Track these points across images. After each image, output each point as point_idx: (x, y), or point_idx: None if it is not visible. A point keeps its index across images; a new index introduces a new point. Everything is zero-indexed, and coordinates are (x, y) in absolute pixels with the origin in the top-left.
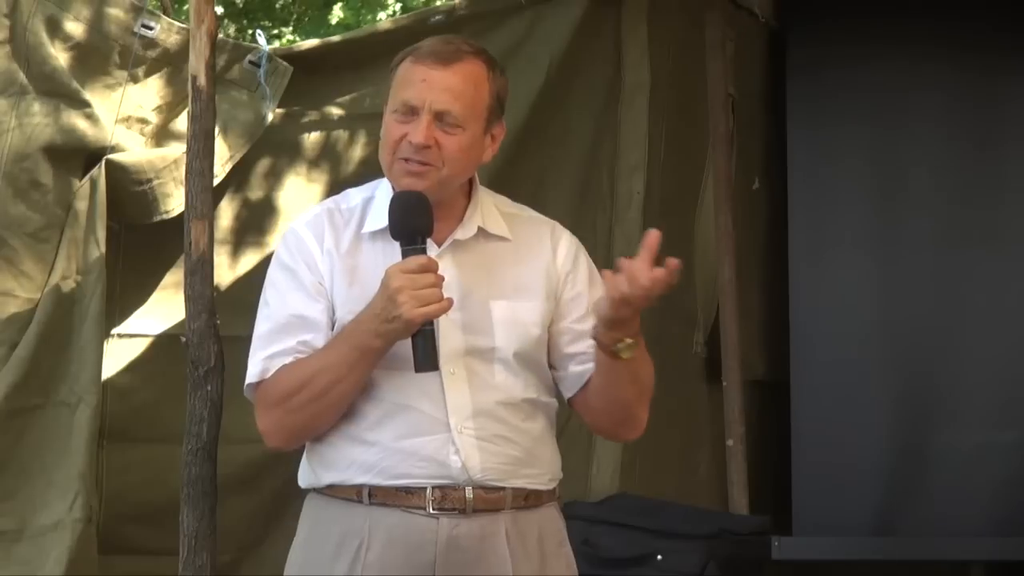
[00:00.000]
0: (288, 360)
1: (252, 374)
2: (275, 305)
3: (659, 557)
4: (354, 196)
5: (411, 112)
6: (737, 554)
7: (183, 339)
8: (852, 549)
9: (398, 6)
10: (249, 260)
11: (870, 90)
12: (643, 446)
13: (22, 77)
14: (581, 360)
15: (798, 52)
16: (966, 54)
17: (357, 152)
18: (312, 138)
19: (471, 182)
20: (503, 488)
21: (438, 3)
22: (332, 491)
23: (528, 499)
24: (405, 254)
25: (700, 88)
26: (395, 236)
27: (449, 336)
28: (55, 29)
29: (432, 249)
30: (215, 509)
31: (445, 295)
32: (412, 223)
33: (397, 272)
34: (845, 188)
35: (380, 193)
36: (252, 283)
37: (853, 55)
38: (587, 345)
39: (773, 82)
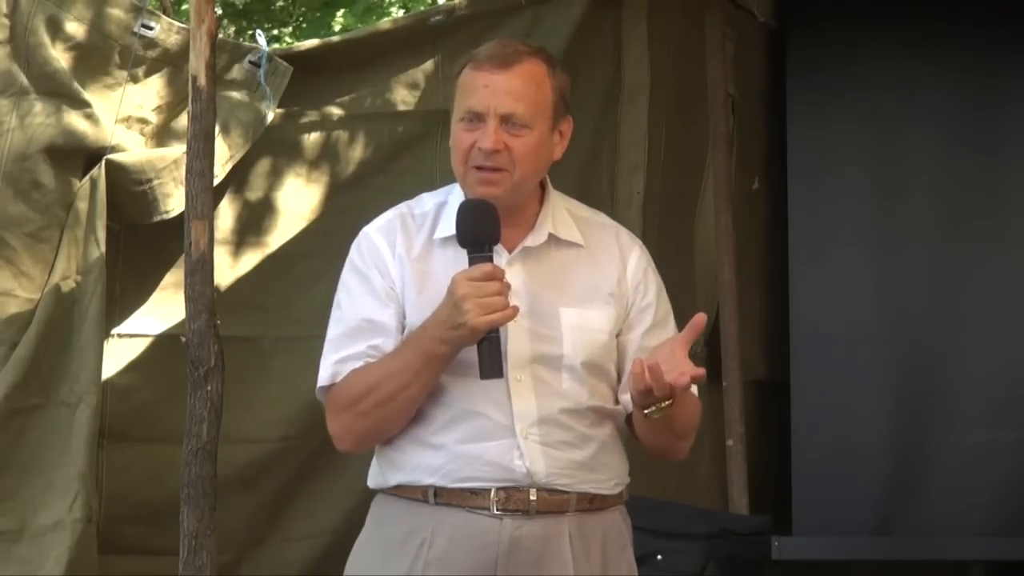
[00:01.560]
0: (358, 364)
1: (323, 377)
2: (347, 309)
3: (659, 557)
4: (427, 201)
5: (477, 119)
6: (737, 554)
7: (183, 339)
8: (852, 549)
9: (400, 13)
10: (249, 260)
11: (870, 90)
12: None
13: (22, 77)
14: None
15: (798, 52)
16: (966, 54)
17: (357, 152)
18: (312, 138)
19: (543, 186)
20: (567, 492)
21: (439, 3)
22: (399, 491)
23: (593, 502)
24: (472, 261)
25: (700, 88)
26: (462, 243)
27: (517, 343)
28: (55, 29)
29: (503, 256)
30: (215, 509)
31: (513, 302)
32: (478, 230)
33: (463, 279)
34: (845, 188)
35: (453, 199)
36: (253, 283)
37: (853, 55)
38: None
39: (773, 82)
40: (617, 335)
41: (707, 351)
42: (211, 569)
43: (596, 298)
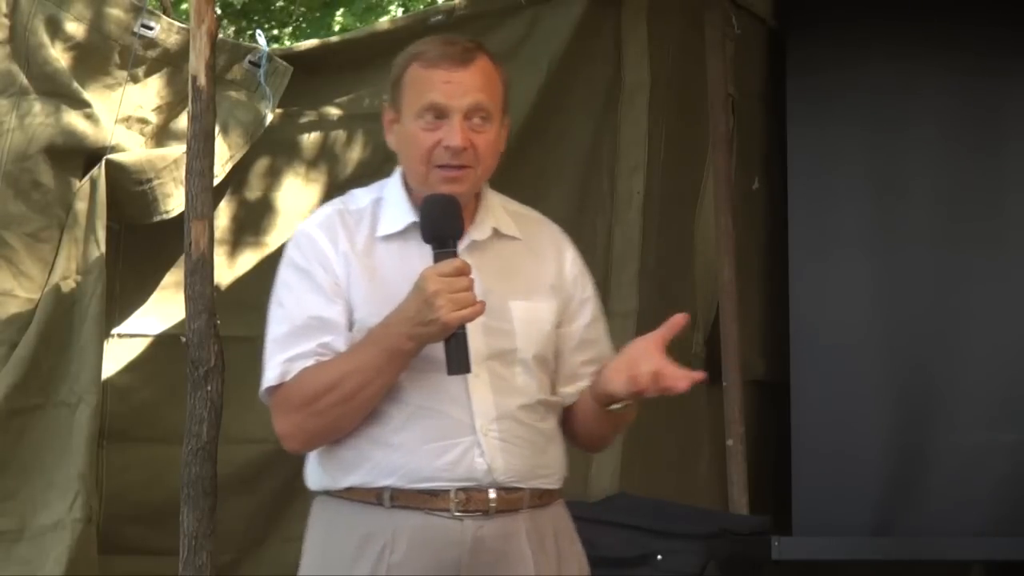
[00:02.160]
0: (309, 363)
1: (271, 377)
2: (291, 307)
3: (659, 557)
4: (361, 197)
5: (439, 117)
6: (737, 554)
7: (183, 339)
8: (852, 549)
9: (399, 12)
10: (249, 260)
11: (870, 90)
12: (643, 446)
13: (22, 77)
14: (575, 379)
15: (798, 52)
16: (966, 55)
17: (356, 152)
18: (311, 138)
19: None
20: (522, 488)
21: (439, 3)
22: (350, 494)
23: (542, 498)
24: (437, 257)
25: (700, 88)
26: (427, 239)
27: (473, 338)
28: (55, 29)
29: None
30: (215, 509)
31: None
32: (444, 226)
33: (433, 275)
34: (845, 188)
35: (389, 195)
36: (252, 283)
37: (853, 55)
38: (585, 359)
39: (773, 82)
40: (557, 327)
41: (707, 351)
42: (211, 569)
43: (540, 290)
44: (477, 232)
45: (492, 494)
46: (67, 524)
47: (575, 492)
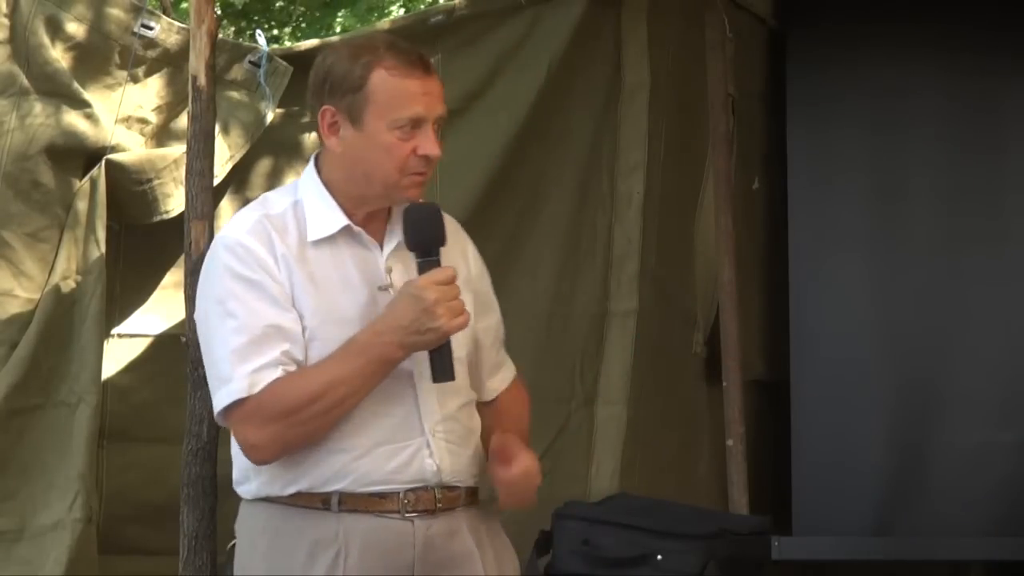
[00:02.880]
0: (277, 373)
1: (237, 389)
2: (245, 317)
3: (659, 557)
4: (278, 201)
5: (415, 126)
6: (737, 554)
7: (183, 339)
8: (852, 549)
9: (401, 12)
10: None
11: (870, 90)
12: (643, 446)
13: (23, 77)
14: (497, 368)
15: (798, 52)
16: (966, 55)
17: None
18: (312, 138)
19: None
20: (459, 487)
21: (439, 3)
22: (294, 500)
23: (471, 496)
24: (422, 267)
25: (700, 88)
26: (412, 248)
27: None
28: (55, 29)
29: (377, 251)
30: (215, 509)
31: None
32: (430, 235)
33: (431, 284)
34: (845, 188)
35: (308, 198)
36: None
37: (853, 55)
38: (501, 349)
39: (773, 82)
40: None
41: (707, 351)
42: (211, 569)
43: (476, 287)
44: (398, 232)
45: (438, 493)
46: (67, 524)
47: (575, 492)
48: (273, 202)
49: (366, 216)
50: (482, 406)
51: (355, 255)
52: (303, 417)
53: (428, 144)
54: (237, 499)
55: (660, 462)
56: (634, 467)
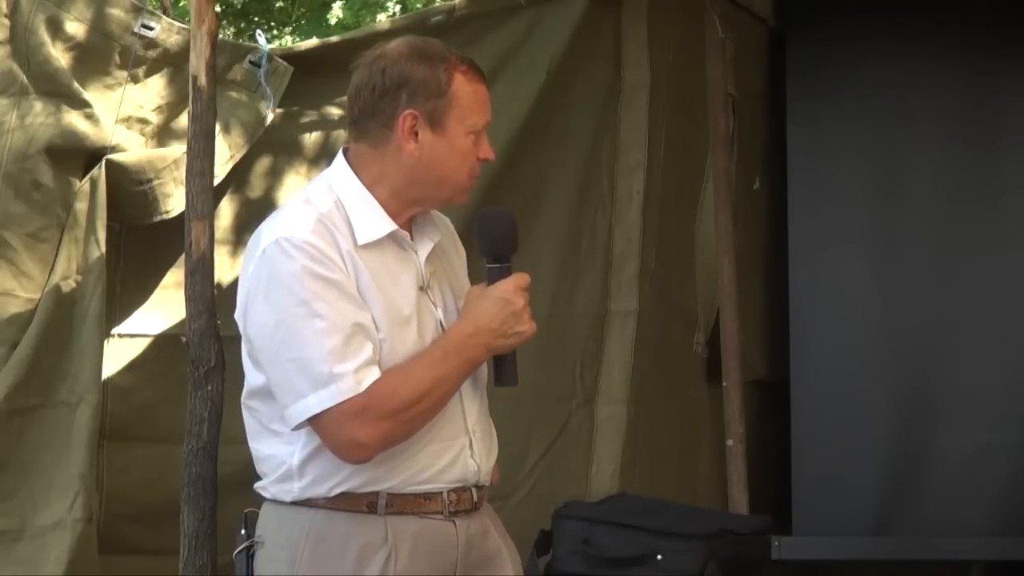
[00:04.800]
0: (375, 370)
1: (347, 388)
2: (334, 317)
3: (659, 557)
4: (321, 200)
5: (482, 132)
6: (737, 554)
7: (183, 339)
8: (852, 549)
9: (397, 8)
10: None
11: (870, 90)
12: (643, 446)
13: (23, 77)
14: None
15: (798, 52)
16: (966, 54)
17: None
18: (312, 138)
19: None
20: (484, 485)
21: (437, 3)
22: (337, 503)
23: (486, 492)
24: (492, 272)
25: (700, 88)
26: (485, 253)
27: None
28: (55, 29)
29: (413, 252)
30: (215, 509)
31: (438, 299)
32: (505, 243)
33: (518, 290)
34: (845, 188)
35: (350, 200)
36: None
37: (853, 55)
38: None
39: (773, 82)
40: None
41: (707, 351)
42: (211, 569)
43: (466, 283)
44: (431, 236)
45: (475, 494)
46: (67, 524)
47: (575, 492)
48: (317, 201)
49: (405, 219)
50: None
51: (398, 257)
52: (411, 415)
53: (487, 149)
54: (238, 499)
55: (660, 462)
56: (634, 467)
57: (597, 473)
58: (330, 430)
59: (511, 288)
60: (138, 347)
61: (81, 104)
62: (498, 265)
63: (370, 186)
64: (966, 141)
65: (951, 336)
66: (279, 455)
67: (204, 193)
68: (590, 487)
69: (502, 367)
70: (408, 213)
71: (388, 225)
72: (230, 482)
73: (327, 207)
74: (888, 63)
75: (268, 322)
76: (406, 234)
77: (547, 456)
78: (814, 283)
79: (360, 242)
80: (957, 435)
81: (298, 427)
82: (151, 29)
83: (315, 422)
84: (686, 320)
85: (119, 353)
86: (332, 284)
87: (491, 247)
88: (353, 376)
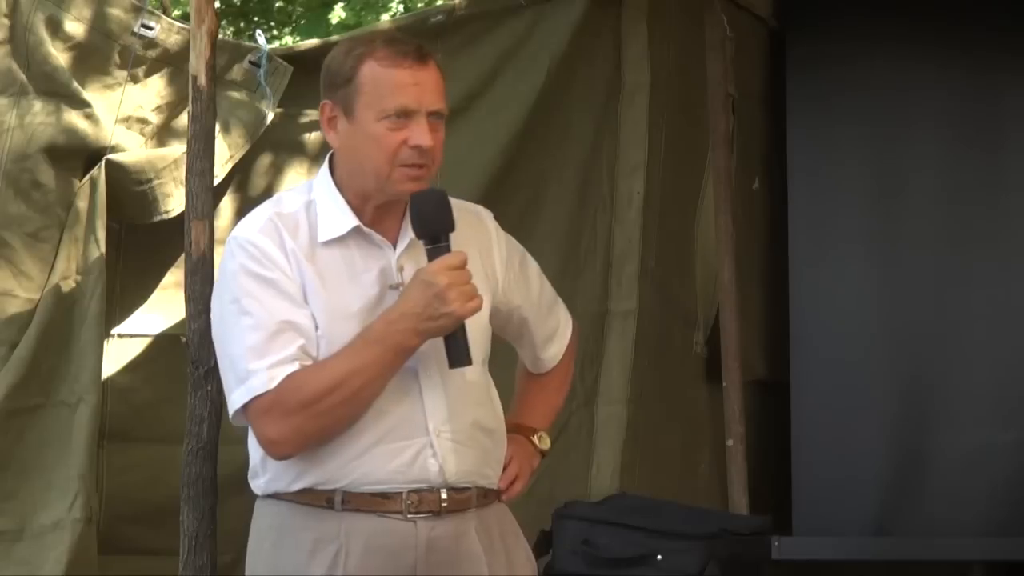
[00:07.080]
0: (293, 367)
1: (257, 385)
2: (260, 314)
3: (659, 557)
4: (291, 200)
5: (406, 117)
6: (737, 554)
7: (183, 339)
8: (852, 549)
9: (400, 8)
10: None
11: (870, 89)
12: (643, 446)
13: (22, 77)
14: (552, 338)
15: (798, 52)
16: (967, 53)
17: None
18: (312, 138)
19: None
20: (469, 488)
21: (438, 3)
22: (300, 497)
23: (487, 497)
24: (431, 253)
25: (700, 88)
26: (420, 235)
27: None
28: (55, 29)
29: (389, 250)
30: (215, 509)
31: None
32: (438, 222)
33: (442, 270)
34: (845, 188)
35: (321, 198)
36: None
37: (853, 54)
38: (551, 315)
39: (773, 82)
40: (520, 309)
41: (707, 351)
42: (211, 569)
43: (499, 280)
44: (412, 232)
45: (443, 495)
46: (67, 524)
47: (575, 492)
48: (286, 201)
49: (378, 214)
50: (530, 377)
51: (366, 255)
52: (321, 408)
53: (419, 135)
54: (238, 499)
55: (660, 462)
56: (634, 467)
57: (597, 473)
58: (252, 427)
59: (435, 269)
60: (138, 347)
61: (81, 104)
62: (432, 246)
63: (339, 184)
64: (966, 141)
65: (951, 336)
66: (250, 451)
67: (204, 193)
68: (590, 487)
69: (450, 348)
70: (370, 207)
71: (350, 222)
72: (230, 482)
73: (294, 207)
74: (888, 63)
75: (213, 318)
76: (372, 232)
77: (547, 456)
78: (814, 283)
79: (321, 239)
80: (957, 435)
81: (237, 422)
82: (151, 29)
83: (241, 419)
84: (686, 320)
85: (119, 353)
86: (266, 282)
87: (422, 228)
88: (266, 372)
